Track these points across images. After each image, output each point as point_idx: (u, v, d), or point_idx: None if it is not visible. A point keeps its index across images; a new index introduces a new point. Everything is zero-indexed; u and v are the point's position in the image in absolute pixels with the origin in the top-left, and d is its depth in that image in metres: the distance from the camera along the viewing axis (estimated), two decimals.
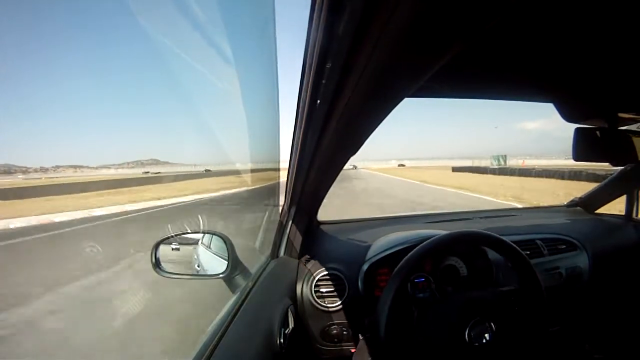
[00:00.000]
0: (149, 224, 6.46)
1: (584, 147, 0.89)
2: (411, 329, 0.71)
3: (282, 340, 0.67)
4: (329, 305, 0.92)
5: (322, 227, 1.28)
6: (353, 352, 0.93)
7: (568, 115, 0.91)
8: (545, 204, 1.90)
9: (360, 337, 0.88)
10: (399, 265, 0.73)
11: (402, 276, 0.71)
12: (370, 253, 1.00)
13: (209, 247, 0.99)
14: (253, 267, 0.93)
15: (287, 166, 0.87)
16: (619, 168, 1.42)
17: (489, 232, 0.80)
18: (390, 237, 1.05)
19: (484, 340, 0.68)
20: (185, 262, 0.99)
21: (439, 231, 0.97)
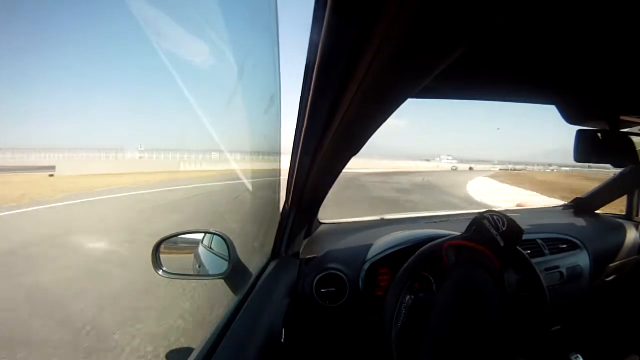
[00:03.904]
0: None
1: (585, 149, 0.89)
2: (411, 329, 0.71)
3: (283, 340, 0.67)
4: (329, 304, 0.92)
5: (323, 227, 1.28)
6: (354, 351, 0.94)
7: (570, 117, 0.92)
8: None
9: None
10: (401, 270, 0.73)
11: (404, 280, 0.71)
12: (371, 253, 1.00)
13: (210, 247, 0.99)
14: (254, 267, 0.93)
15: (287, 166, 0.87)
16: (620, 169, 1.43)
17: None
18: (391, 237, 1.05)
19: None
20: (186, 262, 0.99)
21: (439, 231, 0.98)
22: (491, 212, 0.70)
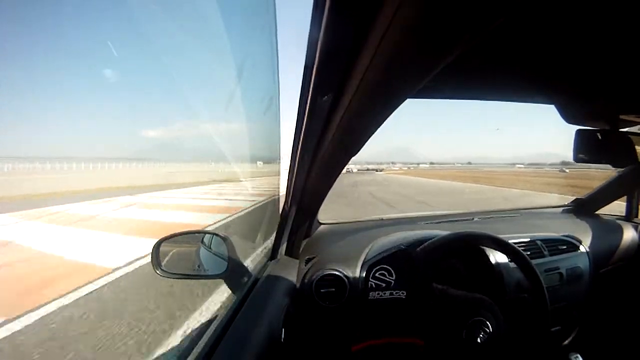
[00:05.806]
0: None
1: (584, 149, 0.89)
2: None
3: (283, 340, 0.67)
4: (329, 305, 0.92)
5: (323, 227, 1.28)
6: (354, 351, 0.94)
7: (569, 117, 0.92)
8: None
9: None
10: None
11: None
12: (371, 253, 1.00)
13: (210, 247, 0.99)
14: (254, 267, 0.93)
15: (287, 166, 0.87)
16: (620, 169, 1.42)
17: (489, 234, 0.81)
18: (391, 238, 1.05)
19: (481, 340, 0.68)
20: (186, 262, 0.99)
21: (438, 231, 0.98)
22: (380, 267, 0.61)
